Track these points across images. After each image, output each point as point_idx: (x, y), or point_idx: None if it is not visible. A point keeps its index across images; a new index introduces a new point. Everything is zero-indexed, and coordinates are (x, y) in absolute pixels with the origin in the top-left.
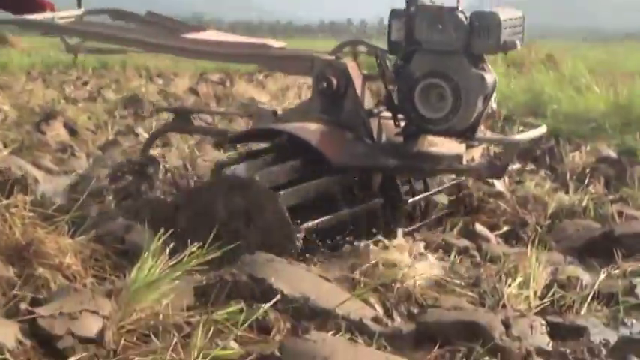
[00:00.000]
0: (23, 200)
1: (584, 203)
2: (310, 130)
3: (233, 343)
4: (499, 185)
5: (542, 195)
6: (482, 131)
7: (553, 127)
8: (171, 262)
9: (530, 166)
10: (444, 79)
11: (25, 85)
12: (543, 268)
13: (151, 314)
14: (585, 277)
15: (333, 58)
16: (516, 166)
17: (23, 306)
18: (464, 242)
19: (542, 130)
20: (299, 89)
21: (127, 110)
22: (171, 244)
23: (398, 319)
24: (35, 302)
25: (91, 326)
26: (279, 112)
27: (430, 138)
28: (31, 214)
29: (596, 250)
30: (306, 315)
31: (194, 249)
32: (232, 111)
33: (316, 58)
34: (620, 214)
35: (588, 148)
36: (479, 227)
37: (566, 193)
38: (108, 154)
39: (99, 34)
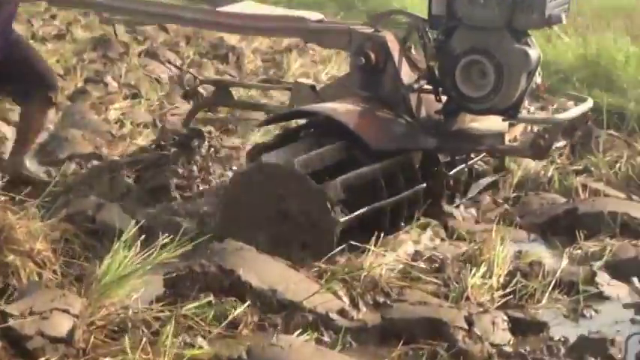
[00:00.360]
0: None
1: (549, 173)
2: (348, 110)
3: (202, 341)
4: None
5: (509, 163)
6: (526, 107)
7: None
8: (143, 255)
9: None
10: (485, 56)
11: None
12: (507, 251)
13: (120, 309)
14: (548, 261)
15: (371, 31)
16: (561, 143)
17: None
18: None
19: (589, 104)
20: None
21: (97, 52)
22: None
23: (364, 309)
24: (5, 294)
25: (61, 326)
26: (318, 87)
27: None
28: (2, 198)
29: (559, 228)
30: (274, 309)
31: (166, 240)
32: (271, 85)
33: (354, 32)
34: (584, 187)
35: (555, 106)
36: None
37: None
38: (76, 107)
39: (129, 9)
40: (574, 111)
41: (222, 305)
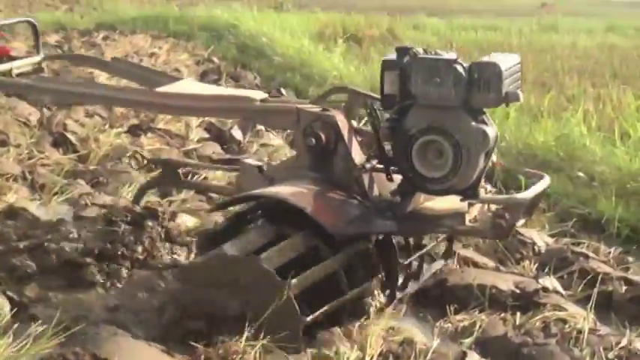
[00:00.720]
0: None
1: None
2: (303, 194)
3: None
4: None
5: None
6: (483, 186)
7: None
8: (15, 347)
9: None
10: (442, 136)
11: None
12: (381, 327)
13: None
14: (419, 338)
15: (319, 110)
16: (521, 222)
17: None
18: None
19: (547, 181)
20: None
21: None
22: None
23: None
24: None
25: None
26: (264, 167)
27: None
28: None
29: (429, 300)
30: None
31: (40, 328)
32: (218, 166)
33: (302, 111)
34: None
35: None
36: None
37: None
38: None
39: (64, 91)
40: (534, 189)
41: None
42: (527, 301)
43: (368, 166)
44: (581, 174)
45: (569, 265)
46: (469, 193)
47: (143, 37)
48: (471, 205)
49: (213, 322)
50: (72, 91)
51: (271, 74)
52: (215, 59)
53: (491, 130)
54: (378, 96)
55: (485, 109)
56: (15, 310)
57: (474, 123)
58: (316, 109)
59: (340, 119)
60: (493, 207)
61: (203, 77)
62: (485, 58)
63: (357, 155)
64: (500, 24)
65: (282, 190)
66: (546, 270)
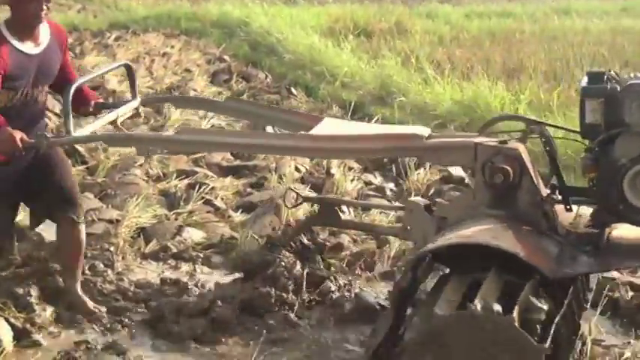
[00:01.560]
0: None
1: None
2: (506, 236)
3: None
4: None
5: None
6: None
7: (399, 119)
8: None
9: (378, 179)
10: None
11: None
12: None
13: None
14: None
15: (498, 143)
16: None
17: None
18: None
19: None
20: (150, 57)
21: None
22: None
23: None
24: None
25: None
26: (433, 206)
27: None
28: None
29: None
30: None
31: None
32: (381, 205)
33: (480, 146)
34: None
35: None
36: None
37: None
38: None
39: (210, 142)
40: None
41: None
42: None
43: (553, 198)
44: None
45: None
46: None
47: (155, 35)
48: None
49: None
50: (221, 142)
51: (282, 72)
52: (226, 57)
53: None
54: (551, 123)
55: None
56: (18, 336)
57: None
58: (493, 142)
59: (523, 150)
60: None
61: (214, 77)
62: None
63: (542, 188)
64: (513, 9)
65: (482, 235)
66: None
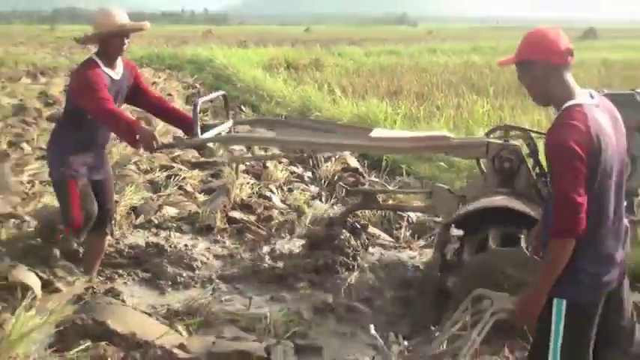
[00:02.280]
0: None
1: (327, 214)
2: (519, 203)
3: None
4: (275, 197)
5: (302, 203)
6: None
7: None
8: (41, 318)
9: (300, 170)
10: None
11: None
12: None
13: (24, 358)
14: None
15: (503, 142)
16: None
17: None
18: None
19: None
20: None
21: (18, 117)
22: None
23: (196, 344)
24: None
25: None
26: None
27: None
28: None
29: None
30: (134, 345)
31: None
32: (412, 190)
33: (491, 144)
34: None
35: (338, 155)
36: None
37: (323, 201)
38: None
39: (302, 142)
40: None
41: (96, 349)
42: None
43: (542, 179)
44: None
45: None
46: None
47: (147, 70)
48: None
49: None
50: (309, 141)
51: (236, 95)
52: (197, 85)
53: None
54: (536, 129)
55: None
56: (44, 285)
57: None
58: (499, 141)
59: (520, 146)
60: None
61: (188, 99)
62: None
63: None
64: (397, 49)
65: (503, 202)
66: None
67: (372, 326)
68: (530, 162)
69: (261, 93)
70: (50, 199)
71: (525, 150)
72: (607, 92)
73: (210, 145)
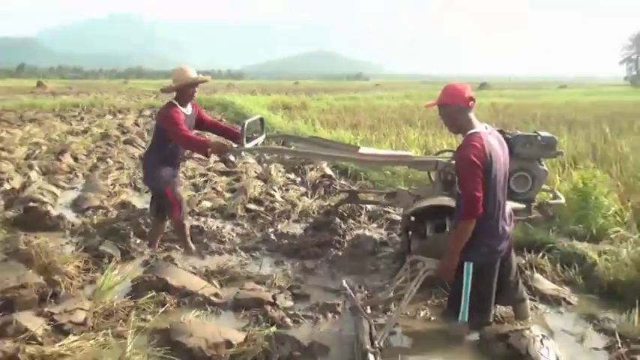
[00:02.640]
0: (45, 239)
1: (313, 206)
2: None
3: (149, 317)
4: (277, 194)
5: (295, 199)
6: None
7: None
8: (121, 277)
9: (292, 176)
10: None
11: (52, 121)
12: None
13: (109, 303)
14: None
15: (447, 160)
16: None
17: (46, 309)
18: None
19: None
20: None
21: (104, 141)
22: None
23: (225, 293)
24: (54, 298)
25: (79, 316)
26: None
27: None
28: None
29: None
30: (184, 294)
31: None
32: (381, 191)
33: (439, 162)
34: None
35: (319, 166)
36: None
37: (309, 197)
38: (92, 176)
39: (311, 153)
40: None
41: (158, 297)
42: None
43: None
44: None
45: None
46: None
47: None
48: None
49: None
50: (317, 153)
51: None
52: (224, 120)
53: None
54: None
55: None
56: (122, 255)
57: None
58: (446, 159)
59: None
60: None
61: None
62: (546, 134)
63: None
64: (358, 96)
65: (445, 200)
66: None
67: (343, 281)
68: None
69: (268, 126)
70: (125, 197)
71: None
72: (519, 133)
73: (243, 154)
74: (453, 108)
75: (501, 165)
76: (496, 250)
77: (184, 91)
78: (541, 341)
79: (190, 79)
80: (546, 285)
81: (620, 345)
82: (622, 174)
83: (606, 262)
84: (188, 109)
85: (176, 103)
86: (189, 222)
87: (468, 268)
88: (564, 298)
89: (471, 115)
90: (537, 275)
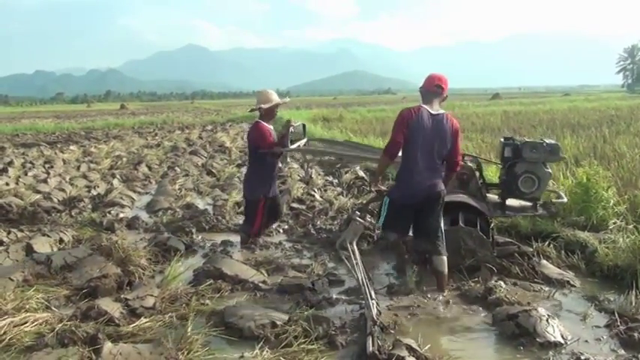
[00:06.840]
0: (122, 236)
1: (348, 204)
2: (472, 200)
3: (208, 301)
4: (316, 194)
5: (332, 198)
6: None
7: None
8: (185, 267)
9: (330, 178)
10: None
11: (131, 137)
12: None
13: (174, 289)
14: None
15: (463, 162)
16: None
17: (122, 295)
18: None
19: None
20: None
21: (173, 152)
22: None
23: (272, 280)
24: (129, 286)
25: (149, 301)
26: None
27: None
28: (126, 240)
29: None
30: (237, 281)
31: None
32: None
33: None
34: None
35: (352, 169)
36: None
37: (344, 196)
38: (163, 182)
39: (348, 155)
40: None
41: (215, 284)
42: None
43: (485, 186)
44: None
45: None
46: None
47: (229, 125)
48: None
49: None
50: (352, 154)
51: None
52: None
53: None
54: (485, 158)
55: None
56: (186, 247)
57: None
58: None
59: (472, 165)
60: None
61: None
62: (549, 140)
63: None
64: (386, 107)
65: (463, 197)
66: None
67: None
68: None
69: (312, 135)
70: (190, 199)
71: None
72: (526, 140)
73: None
74: (423, 90)
75: (426, 135)
76: (408, 195)
77: (268, 111)
78: (547, 320)
79: (274, 102)
80: (552, 270)
81: (619, 323)
82: (619, 170)
83: (606, 249)
84: (270, 125)
85: (262, 121)
86: (256, 242)
87: (386, 200)
88: (568, 281)
89: (435, 98)
90: (544, 261)
